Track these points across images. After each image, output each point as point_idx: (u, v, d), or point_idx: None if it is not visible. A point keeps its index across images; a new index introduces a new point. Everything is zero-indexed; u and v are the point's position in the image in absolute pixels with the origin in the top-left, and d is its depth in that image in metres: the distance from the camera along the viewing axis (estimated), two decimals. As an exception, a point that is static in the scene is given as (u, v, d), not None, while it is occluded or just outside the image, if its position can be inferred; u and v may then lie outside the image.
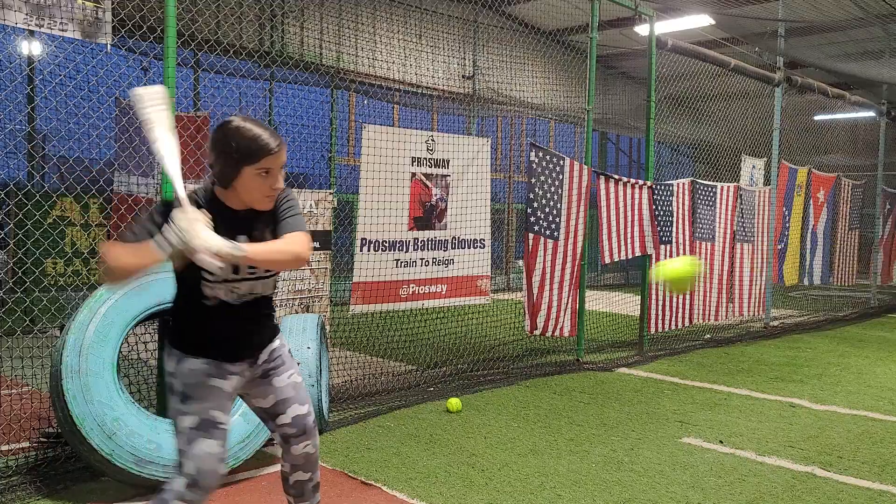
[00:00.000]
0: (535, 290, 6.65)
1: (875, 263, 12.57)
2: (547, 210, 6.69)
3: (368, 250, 5.96)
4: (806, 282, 10.88)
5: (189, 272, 2.33)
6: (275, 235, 2.42)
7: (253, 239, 2.37)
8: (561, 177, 6.78)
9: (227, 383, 2.45)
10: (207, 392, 2.40)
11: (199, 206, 2.27)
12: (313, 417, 2.69)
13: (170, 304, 2.57)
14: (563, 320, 6.92)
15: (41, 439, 4.11)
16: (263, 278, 2.48)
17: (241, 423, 3.75)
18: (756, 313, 9.68)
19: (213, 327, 2.44)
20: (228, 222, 2.33)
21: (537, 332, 6.74)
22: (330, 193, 5.95)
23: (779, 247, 9.92)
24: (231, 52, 7.48)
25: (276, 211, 2.45)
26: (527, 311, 6.66)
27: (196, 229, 2.13)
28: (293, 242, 2.37)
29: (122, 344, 3.71)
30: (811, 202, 10.71)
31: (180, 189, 2.24)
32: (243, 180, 2.30)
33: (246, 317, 2.50)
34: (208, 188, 2.40)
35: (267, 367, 2.59)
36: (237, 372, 2.49)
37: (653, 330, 7.86)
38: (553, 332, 6.84)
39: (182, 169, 2.33)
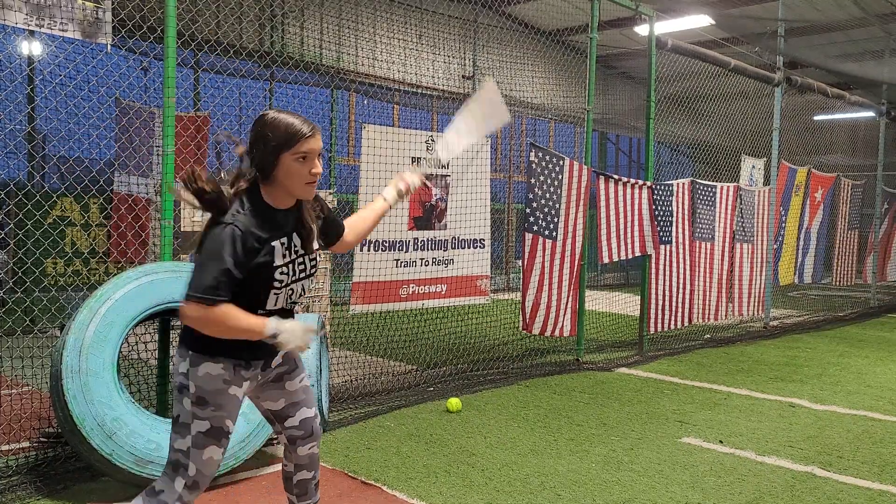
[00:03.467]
0: (534, 290, 6.65)
1: (872, 262, 12.56)
2: (546, 210, 6.69)
3: (368, 250, 5.96)
4: (797, 280, 10.87)
5: (253, 282, 2.33)
6: (322, 230, 2.61)
7: (302, 236, 2.45)
8: (560, 177, 6.78)
9: (240, 391, 2.45)
10: (224, 400, 2.40)
11: (245, 215, 2.30)
12: (319, 420, 2.73)
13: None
14: (563, 320, 6.92)
15: (41, 439, 4.12)
16: (312, 276, 2.53)
17: (241, 423, 3.74)
18: (756, 313, 9.67)
19: None
20: (276, 223, 2.38)
21: (536, 332, 6.73)
22: (330, 193, 5.96)
23: (774, 246, 9.92)
24: (231, 52, 7.48)
25: (320, 211, 2.59)
26: (522, 310, 6.66)
27: (306, 339, 2.34)
28: None
29: (122, 344, 3.71)
30: (808, 202, 10.70)
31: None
32: (283, 168, 2.34)
33: (283, 318, 2.48)
34: (252, 192, 2.38)
35: (281, 371, 2.60)
36: (250, 378, 2.47)
37: (653, 330, 7.86)
38: (553, 331, 6.84)
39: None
